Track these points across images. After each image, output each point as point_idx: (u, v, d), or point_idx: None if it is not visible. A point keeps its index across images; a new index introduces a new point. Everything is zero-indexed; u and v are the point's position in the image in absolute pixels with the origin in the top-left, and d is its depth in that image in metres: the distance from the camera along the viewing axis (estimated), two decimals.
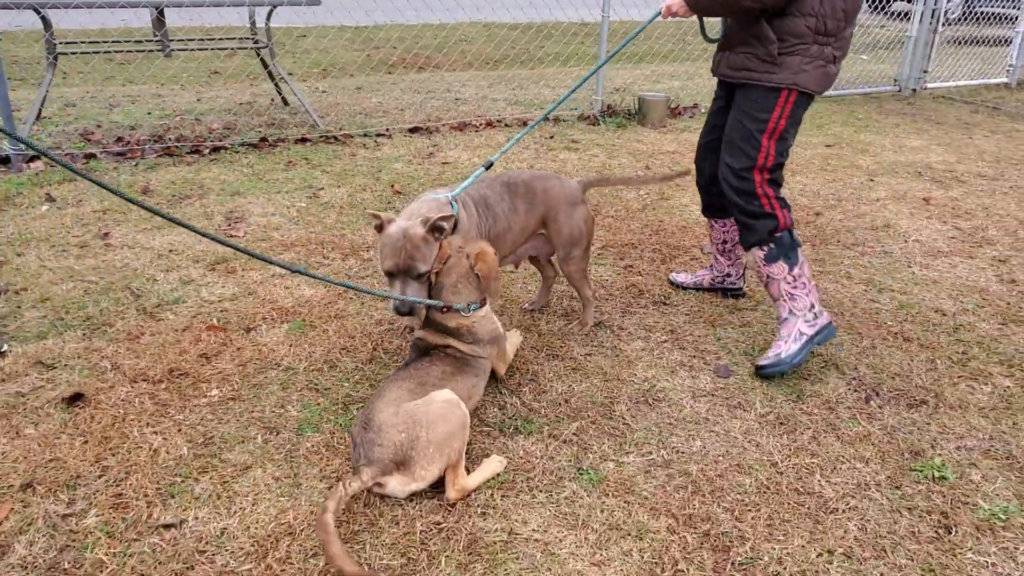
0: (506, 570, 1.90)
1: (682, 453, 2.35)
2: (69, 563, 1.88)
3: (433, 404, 2.08)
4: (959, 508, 2.15)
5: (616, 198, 4.53)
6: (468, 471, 2.17)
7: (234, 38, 6.22)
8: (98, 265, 3.44)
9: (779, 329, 2.80)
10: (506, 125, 6.20)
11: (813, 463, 2.32)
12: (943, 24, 12.62)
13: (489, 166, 2.78)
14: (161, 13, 5.52)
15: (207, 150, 5.20)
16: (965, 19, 11.74)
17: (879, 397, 2.67)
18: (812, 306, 2.76)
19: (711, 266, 3.38)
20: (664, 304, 3.30)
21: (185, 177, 4.69)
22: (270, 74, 6.12)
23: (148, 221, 3.96)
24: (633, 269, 3.63)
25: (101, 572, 1.86)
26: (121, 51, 5.59)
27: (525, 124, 6.23)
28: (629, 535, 2.02)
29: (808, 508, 2.14)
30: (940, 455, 2.37)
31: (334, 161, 5.10)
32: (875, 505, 2.16)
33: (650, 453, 2.35)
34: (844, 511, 2.13)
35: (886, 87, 8.05)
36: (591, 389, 2.67)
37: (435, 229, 2.38)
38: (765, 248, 2.73)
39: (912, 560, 1.97)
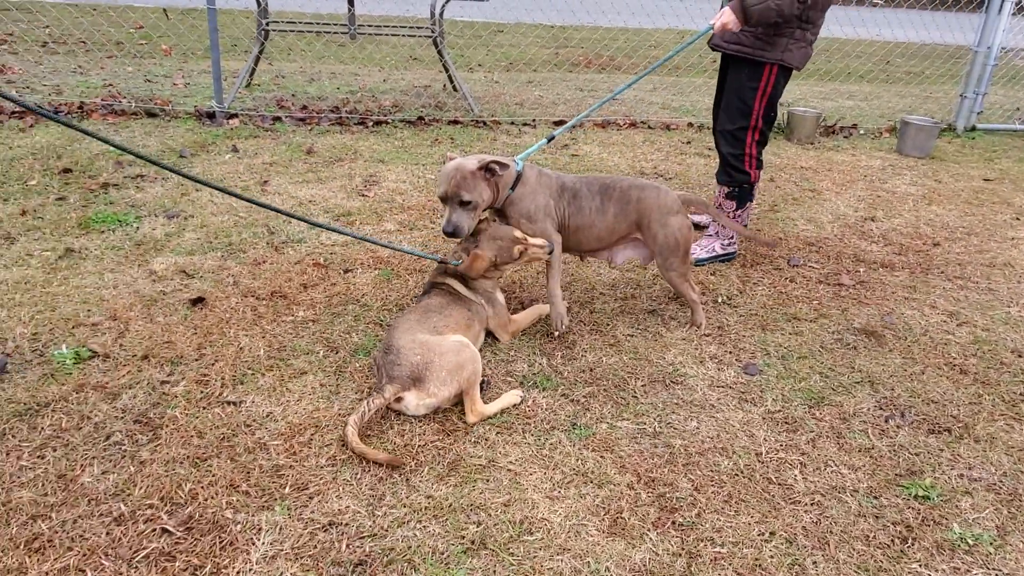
0: (473, 487, 2.23)
1: (674, 429, 2.54)
2: (154, 414, 2.45)
3: (445, 341, 2.45)
4: (928, 526, 2.18)
5: None
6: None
7: (409, 26, 6.90)
8: (251, 206, 4.13)
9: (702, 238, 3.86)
10: (649, 127, 6.38)
11: (797, 460, 2.42)
12: None
13: (551, 139, 3.28)
14: (350, 2, 6.27)
15: (371, 123, 5.88)
16: None
17: (902, 418, 2.67)
18: (732, 236, 3.82)
19: (717, 232, 3.89)
20: (726, 304, 3.42)
21: (345, 143, 5.37)
22: (441, 59, 6.75)
23: (302, 175, 4.64)
24: (709, 267, 3.76)
25: (172, 424, 2.41)
26: (311, 31, 6.41)
27: (668, 128, 6.38)
28: (591, 482, 2.27)
29: (771, 495, 2.26)
30: (935, 478, 2.37)
31: (475, 143, 5.58)
32: (841, 506, 2.23)
33: (644, 424, 2.56)
34: (807, 505, 2.23)
35: None
36: (617, 364, 2.90)
37: (487, 168, 2.75)
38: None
39: (852, 558, 2.05)
